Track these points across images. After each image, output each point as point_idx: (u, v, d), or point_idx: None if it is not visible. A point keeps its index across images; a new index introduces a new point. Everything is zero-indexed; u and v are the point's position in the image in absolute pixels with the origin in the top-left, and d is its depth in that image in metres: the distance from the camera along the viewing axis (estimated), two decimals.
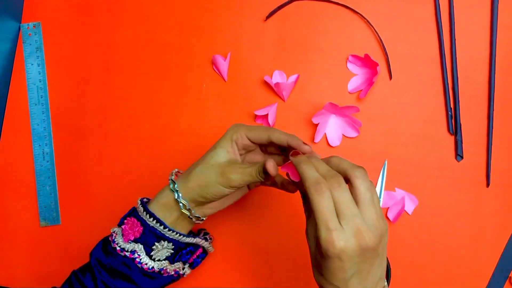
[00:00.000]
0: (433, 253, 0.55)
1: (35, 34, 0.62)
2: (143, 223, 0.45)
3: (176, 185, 0.45)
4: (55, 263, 0.59)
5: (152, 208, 0.46)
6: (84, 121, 0.60)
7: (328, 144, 0.57)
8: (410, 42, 0.57)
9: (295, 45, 0.59)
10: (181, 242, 0.47)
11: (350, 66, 0.58)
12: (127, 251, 0.45)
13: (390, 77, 0.57)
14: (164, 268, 0.46)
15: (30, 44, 0.61)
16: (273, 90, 0.58)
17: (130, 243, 0.45)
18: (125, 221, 0.46)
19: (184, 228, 0.47)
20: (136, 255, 0.45)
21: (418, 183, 0.56)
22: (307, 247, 0.56)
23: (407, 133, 0.57)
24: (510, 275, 0.55)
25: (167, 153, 0.59)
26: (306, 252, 0.56)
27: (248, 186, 0.50)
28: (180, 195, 0.45)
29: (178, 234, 0.46)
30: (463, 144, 0.56)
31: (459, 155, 0.56)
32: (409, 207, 0.55)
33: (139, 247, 0.45)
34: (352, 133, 0.56)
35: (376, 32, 0.58)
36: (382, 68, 0.57)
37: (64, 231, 0.59)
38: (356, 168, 0.37)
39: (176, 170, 0.48)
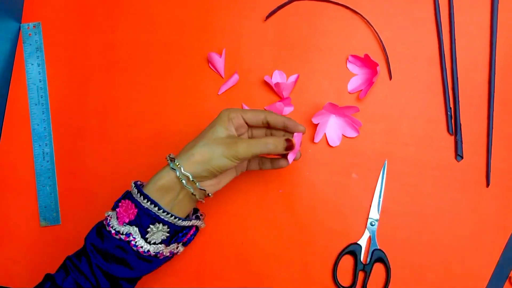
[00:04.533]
0: (433, 253, 0.55)
1: (35, 34, 0.62)
2: (138, 205, 0.45)
3: (177, 162, 0.45)
4: (55, 263, 0.59)
5: (147, 190, 0.45)
6: (84, 121, 0.60)
7: (328, 144, 0.57)
8: (410, 42, 0.57)
9: (295, 45, 0.59)
10: (177, 225, 0.46)
11: (350, 66, 0.58)
12: (122, 234, 0.44)
13: (390, 77, 0.57)
14: (160, 252, 0.46)
15: (30, 44, 0.62)
16: (273, 90, 0.58)
17: (125, 226, 0.45)
18: (120, 204, 0.46)
19: (182, 210, 0.47)
20: (131, 237, 0.44)
21: (418, 183, 0.56)
22: (307, 247, 0.56)
23: (407, 133, 0.57)
24: (510, 275, 0.55)
25: (166, 152, 0.59)
26: (305, 252, 0.56)
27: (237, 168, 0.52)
28: (182, 168, 0.45)
29: (173, 217, 0.46)
30: (463, 144, 0.56)
31: (459, 155, 0.56)
32: None
33: (134, 230, 0.45)
34: (352, 133, 0.56)
35: (376, 32, 0.58)
36: (382, 68, 0.57)
37: (64, 231, 0.59)
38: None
39: (172, 154, 0.48)
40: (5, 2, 0.59)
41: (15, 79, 0.61)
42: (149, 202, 0.45)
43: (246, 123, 0.48)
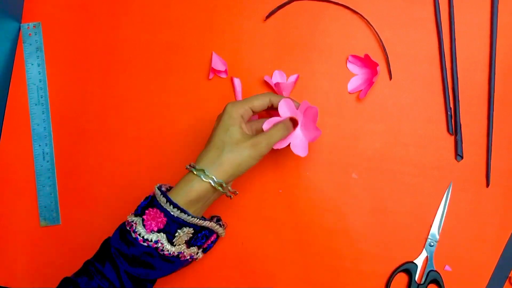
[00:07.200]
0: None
1: (35, 34, 0.62)
2: (167, 214, 0.45)
3: (207, 173, 0.46)
4: (55, 263, 0.59)
5: (178, 200, 0.46)
6: (84, 121, 0.60)
7: (328, 145, 0.57)
8: (410, 42, 0.57)
9: (295, 45, 0.59)
10: (199, 226, 0.48)
11: (350, 66, 0.58)
12: (151, 241, 0.45)
13: (390, 77, 0.57)
14: (182, 252, 0.47)
15: (30, 44, 0.62)
16: (273, 90, 0.58)
17: (153, 233, 0.45)
18: (146, 211, 0.46)
19: (199, 211, 0.48)
20: (159, 244, 0.45)
21: (418, 183, 0.56)
22: (307, 247, 0.56)
23: (407, 133, 0.57)
24: (510, 275, 0.55)
25: (167, 152, 0.59)
26: (306, 252, 0.56)
27: None
28: (215, 178, 0.46)
29: (199, 219, 0.47)
30: (463, 144, 0.56)
31: (459, 155, 0.56)
32: None
33: (162, 236, 0.45)
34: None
35: (376, 32, 0.58)
36: (382, 68, 0.57)
37: (64, 231, 0.59)
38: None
39: (193, 163, 0.48)
40: (5, 2, 0.59)
41: (15, 79, 0.61)
42: (179, 211, 0.46)
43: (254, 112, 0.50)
